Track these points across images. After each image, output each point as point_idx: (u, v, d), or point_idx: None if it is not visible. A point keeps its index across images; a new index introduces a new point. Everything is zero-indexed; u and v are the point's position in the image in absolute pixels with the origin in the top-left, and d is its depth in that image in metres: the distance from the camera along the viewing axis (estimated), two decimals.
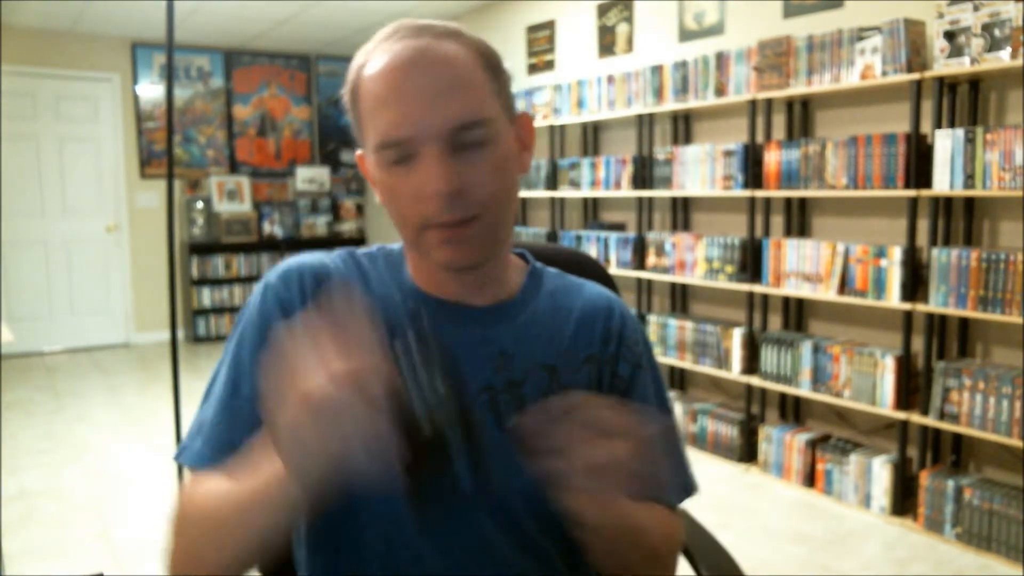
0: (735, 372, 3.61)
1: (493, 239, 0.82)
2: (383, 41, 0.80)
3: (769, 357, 3.43)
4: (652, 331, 4.03)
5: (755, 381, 3.52)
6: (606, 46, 4.58)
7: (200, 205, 6.50)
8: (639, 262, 4.11)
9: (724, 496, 3.26)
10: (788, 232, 3.55)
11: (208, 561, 0.72)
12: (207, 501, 0.75)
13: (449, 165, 0.76)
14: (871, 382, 3.04)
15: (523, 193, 4.87)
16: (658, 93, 3.97)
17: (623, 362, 0.91)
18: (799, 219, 3.53)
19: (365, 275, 0.89)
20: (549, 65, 5.04)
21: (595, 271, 1.08)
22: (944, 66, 2.77)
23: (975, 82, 2.84)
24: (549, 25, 5.01)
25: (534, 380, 0.86)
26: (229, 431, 0.81)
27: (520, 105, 4.91)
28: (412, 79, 0.76)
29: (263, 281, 0.87)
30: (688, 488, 0.94)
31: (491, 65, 0.81)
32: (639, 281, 4.27)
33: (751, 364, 3.58)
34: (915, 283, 2.94)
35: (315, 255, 0.89)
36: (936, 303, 2.82)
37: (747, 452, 3.56)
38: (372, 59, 0.79)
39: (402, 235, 0.84)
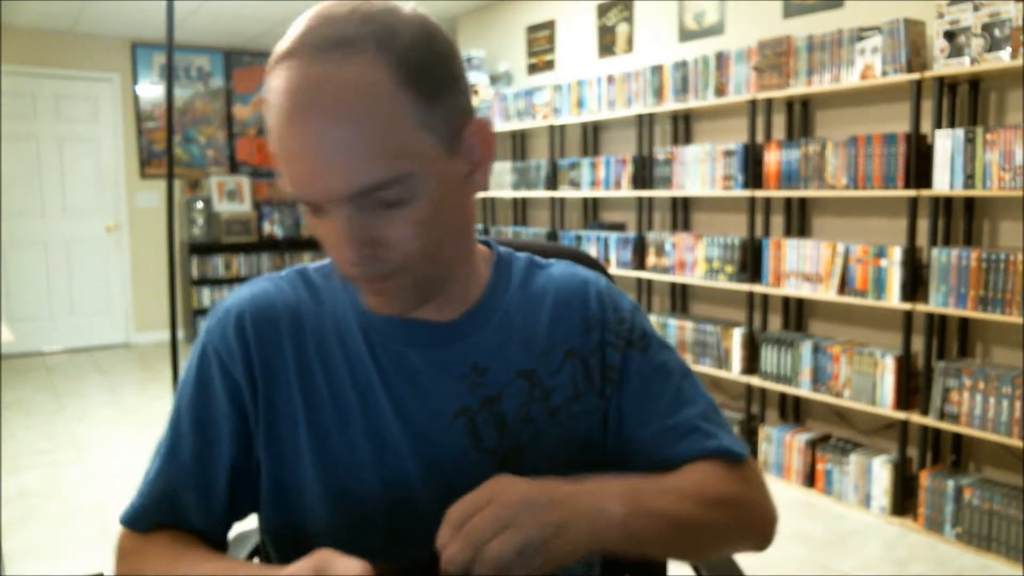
0: (735, 372, 3.61)
1: (424, 289, 0.73)
2: (286, 56, 0.65)
3: (769, 357, 3.43)
4: None
5: (755, 381, 3.52)
6: (606, 46, 4.58)
7: (200, 205, 6.50)
8: (639, 262, 4.11)
9: None
10: (788, 232, 3.55)
11: None
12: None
13: (357, 230, 0.66)
14: (871, 382, 3.04)
15: (523, 193, 4.87)
16: (658, 93, 3.97)
17: (611, 349, 0.82)
18: (799, 219, 3.53)
19: (318, 294, 0.81)
20: (549, 65, 5.04)
21: (595, 271, 1.07)
22: (944, 66, 2.77)
23: (975, 82, 2.84)
24: (549, 25, 5.01)
25: (512, 391, 0.79)
26: (164, 489, 0.79)
27: (520, 106, 4.90)
28: (304, 134, 0.63)
29: (204, 328, 0.81)
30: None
31: (420, 82, 0.65)
32: (639, 281, 4.27)
33: (751, 364, 3.58)
34: (915, 283, 2.94)
35: (259, 282, 0.82)
36: (936, 303, 2.82)
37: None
38: (272, 77, 0.66)
39: None
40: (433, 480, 0.77)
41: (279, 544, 0.81)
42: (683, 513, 0.71)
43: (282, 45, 0.66)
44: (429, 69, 0.66)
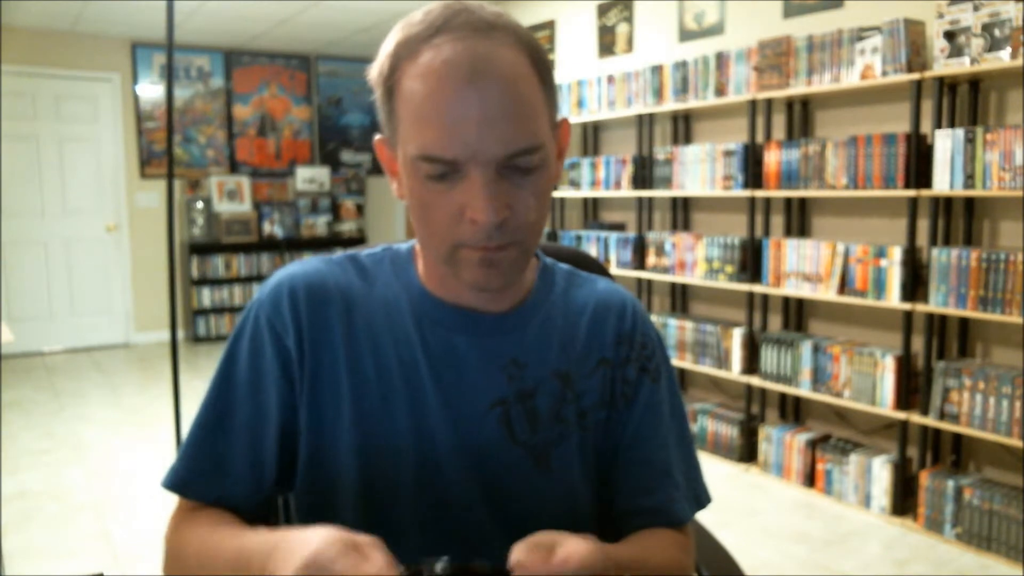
0: (735, 372, 3.61)
1: (526, 261, 0.78)
2: (431, 33, 0.71)
3: (769, 357, 3.43)
4: None
5: (755, 381, 3.52)
6: (606, 46, 4.58)
7: (200, 205, 6.50)
8: (639, 262, 4.11)
9: (724, 496, 3.25)
10: (788, 232, 3.55)
11: None
12: (204, 550, 0.75)
13: (497, 193, 0.71)
14: (871, 382, 3.04)
15: None
16: (658, 93, 3.97)
17: (631, 366, 0.87)
18: (799, 219, 3.53)
19: (369, 278, 0.85)
20: None
21: (596, 271, 1.07)
22: (944, 66, 2.77)
23: (975, 82, 2.84)
24: (549, 25, 5.01)
25: (546, 389, 0.83)
26: (212, 456, 0.81)
27: None
28: (469, 97, 0.69)
29: (255, 299, 0.83)
30: (700, 499, 0.90)
31: (543, 72, 0.75)
32: (639, 281, 4.27)
33: (751, 364, 3.58)
34: (915, 283, 2.94)
35: (312, 261, 0.85)
36: (936, 303, 2.82)
37: (747, 452, 3.56)
38: (420, 53, 0.71)
39: (427, 244, 0.78)
40: (466, 464, 0.80)
41: (310, 517, 0.83)
42: None
43: (416, 29, 0.72)
44: (545, 65, 0.76)
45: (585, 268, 1.02)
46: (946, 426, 2.82)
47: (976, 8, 2.66)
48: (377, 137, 0.80)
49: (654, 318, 4.02)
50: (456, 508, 0.80)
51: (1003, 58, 2.60)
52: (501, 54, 0.71)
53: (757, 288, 3.50)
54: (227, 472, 0.80)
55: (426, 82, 0.70)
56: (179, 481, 0.81)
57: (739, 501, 3.21)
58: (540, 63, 0.74)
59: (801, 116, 3.48)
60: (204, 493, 0.81)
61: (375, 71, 0.76)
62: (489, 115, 0.69)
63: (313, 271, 0.83)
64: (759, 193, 3.45)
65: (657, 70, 3.95)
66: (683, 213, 4.11)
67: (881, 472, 3.02)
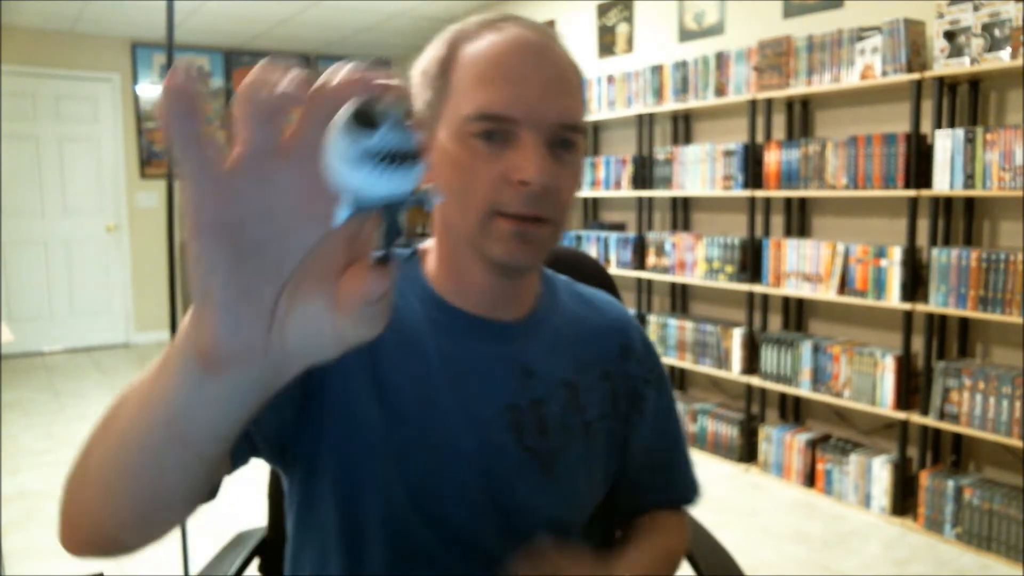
0: (735, 372, 3.61)
1: (554, 243, 0.80)
2: (493, 23, 0.78)
3: (769, 357, 3.43)
4: (652, 331, 4.03)
5: (755, 381, 3.52)
6: (606, 46, 4.58)
7: None
8: (639, 262, 4.11)
9: (724, 496, 3.26)
10: (788, 232, 3.55)
11: (110, 503, 0.49)
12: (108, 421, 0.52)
13: (546, 158, 0.74)
14: (871, 382, 3.04)
15: None
16: (658, 93, 3.97)
17: (641, 382, 0.92)
18: (799, 219, 3.53)
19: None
20: None
21: (595, 271, 1.08)
22: (944, 66, 2.77)
23: (975, 82, 2.84)
24: (549, 25, 5.01)
25: (556, 399, 0.84)
26: None
27: None
28: (535, 65, 0.75)
29: None
30: (698, 490, 0.99)
31: (583, 86, 0.83)
32: (639, 281, 4.27)
33: (751, 364, 3.58)
34: (915, 283, 2.94)
35: None
36: (936, 303, 2.82)
37: (747, 452, 3.56)
38: (482, 35, 0.77)
39: (459, 216, 0.76)
40: (475, 467, 0.79)
41: (342, 476, 0.78)
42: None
43: (474, 21, 0.79)
44: (583, 82, 0.82)
45: (585, 268, 1.02)
46: (946, 426, 2.82)
47: (976, 8, 2.66)
48: None
49: (654, 318, 4.02)
50: (462, 510, 0.80)
51: (1003, 58, 2.60)
52: (560, 46, 0.79)
53: (757, 288, 3.50)
54: None
55: (492, 48, 0.75)
56: None
57: (739, 501, 3.21)
58: (581, 74, 0.82)
59: (801, 116, 3.48)
60: None
61: (425, 60, 0.79)
62: (551, 82, 0.75)
63: None
64: (759, 193, 3.45)
65: (657, 70, 3.95)
66: (683, 213, 4.11)
67: (881, 472, 3.02)
